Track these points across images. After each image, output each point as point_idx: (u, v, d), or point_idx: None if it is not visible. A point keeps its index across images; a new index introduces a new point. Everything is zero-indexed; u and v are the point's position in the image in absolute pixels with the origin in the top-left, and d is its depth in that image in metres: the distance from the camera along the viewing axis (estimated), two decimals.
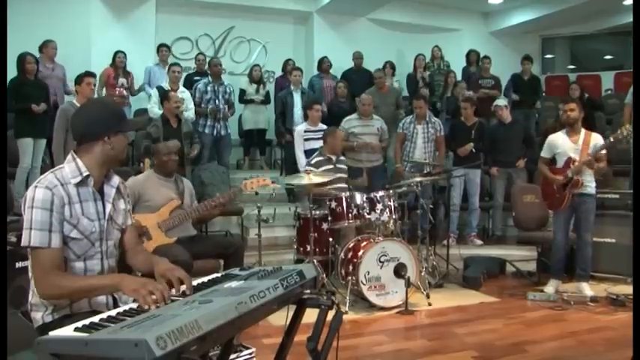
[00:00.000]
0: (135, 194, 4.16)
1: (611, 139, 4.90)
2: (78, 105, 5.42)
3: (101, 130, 2.17)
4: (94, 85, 5.69)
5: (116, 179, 2.32)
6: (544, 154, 5.23)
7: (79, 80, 5.53)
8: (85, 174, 2.15)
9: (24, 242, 2.03)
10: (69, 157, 2.19)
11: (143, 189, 4.20)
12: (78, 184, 2.14)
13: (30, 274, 2.13)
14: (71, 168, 2.16)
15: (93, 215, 2.17)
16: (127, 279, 2.03)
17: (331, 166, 5.58)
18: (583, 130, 5.07)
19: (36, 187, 2.07)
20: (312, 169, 5.50)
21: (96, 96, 6.91)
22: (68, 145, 5.29)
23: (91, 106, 2.33)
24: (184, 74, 7.91)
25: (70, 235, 2.10)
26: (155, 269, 2.16)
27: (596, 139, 5.02)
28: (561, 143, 5.09)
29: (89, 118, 2.20)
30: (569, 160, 4.98)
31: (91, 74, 5.59)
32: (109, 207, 2.24)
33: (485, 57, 8.94)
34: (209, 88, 7.26)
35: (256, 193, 4.68)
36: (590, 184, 5.01)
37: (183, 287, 2.00)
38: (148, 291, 1.86)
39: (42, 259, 2.03)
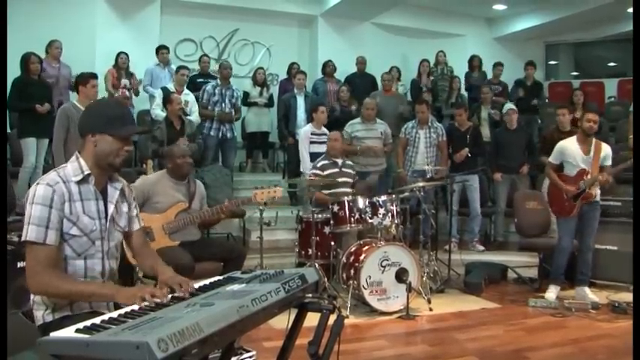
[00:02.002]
0: (144, 194, 4.17)
1: (629, 163, 4.96)
2: (79, 106, 5.40)
3: (87, 127, 2.23)
4: (97, 87, 5.64)
5: (121, 182, 2.36)
6: (553, 159, 5.21)
7: (83, 81, 5.47)
8: (86, 172, 2.19)
9: (23, 237, 2.07)
10: (73, 157, 2.24)
11: (153, 190, 4.21)
12: (79, 182, 2.18)
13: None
14: (73, 167, 2.20)
15: (94, 214, 2.20)
16: (122, 291, 2.07)
17: (337, 170, 5.58)
18: (594, 140, 5.06)
19: (38, 184, 2.12)
20: (317, 172, 5.51)
21: (100, 97, 6.94)
22: (68, 145, 5.28)
23: (93, 104, 2.37)
24: None
25: (69, 232, 2.13)
26: (159, 276, 2.23)
27: (606, 149, 5.06)
28: (573, 152, 5.07)
29: (84, 115, 2.29)
30: (583, 172, 4.98)
31: (95, 76, 5.56)
32: (111, 208, 2.27)
33: (499, 63, 8.94)
34: (217, 91, 7.27)
35: (265, 204, 4.70)
36: (597, 192, 5.07)
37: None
38: (142, 296, 1.92)
39: (35, 255, 2.06)
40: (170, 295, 2.00)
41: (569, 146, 5.11)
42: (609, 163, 5.06)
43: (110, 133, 2.20)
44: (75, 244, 2.15)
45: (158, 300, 1.90)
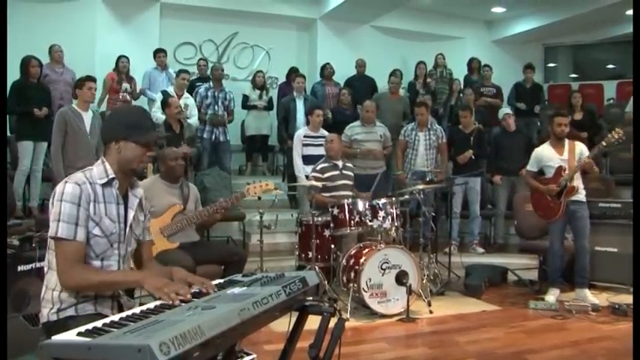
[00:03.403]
0: None
1: (604, 144, 4.97)
2: (77, 109, 5.40)
3: (110, 134, 2.30)
4: (95, 90, 5.63)
5: (140, 191, 2.42)
6: (531, 167, 5.33)
7: (79, 84, 5.49)
8: (111, 176, 2.26)
9: (51, 233, 2.13)
10: (99, 161, 2.31)
11: (148, 194, 4.18)
12: (104, 185, 2.24)
13: (45, 268, 2.22)
14: (99, 170, 2.26)
15: (114, 217, 2.26)
16: (150, 277, 2.14)
17: (337, 172, 5.57)
18: (566, 141, 5.16)
19: (66, 182, 2.18)
20: (317, 174, 5.51)
21: (97, 101, 6.96)
22: (66, 147, 5.27)
23: (116, 111, 2.42)
24: None
25: (92, 232, 2.19)
26: (175, 277, 2.27)
27: (580, 146, 5.14)
28: (549, 156, 5.18)
29: (108, 122, 2.39)
30: (560, 169, 5.05)
31: (93, 79, 5.55)
32: (131, 214, 2.33)
33: (486, 65, 8.98)
34: (209, 94, 7.27)
35: (259, 198, 4.68)
36: (581, 192, 5.10)
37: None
38: (172, 290, 1.98)
39: (67, 251, 2.12)
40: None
41: (544, 151, 5.23)
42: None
43: (133, 140, 2.26)
44: (95, 245, 2.21)
45: (181, 298, 1.94)
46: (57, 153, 5.30)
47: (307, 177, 5.81)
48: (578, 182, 5.06)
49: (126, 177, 2.32)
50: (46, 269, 2.23)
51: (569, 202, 5.03)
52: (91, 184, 2.20)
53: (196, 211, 4.36)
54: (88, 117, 5.41)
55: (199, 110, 7.18)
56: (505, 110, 7.24)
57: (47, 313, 2.18)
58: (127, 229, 2.31)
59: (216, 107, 7.25)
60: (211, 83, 7.48)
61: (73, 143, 5.29)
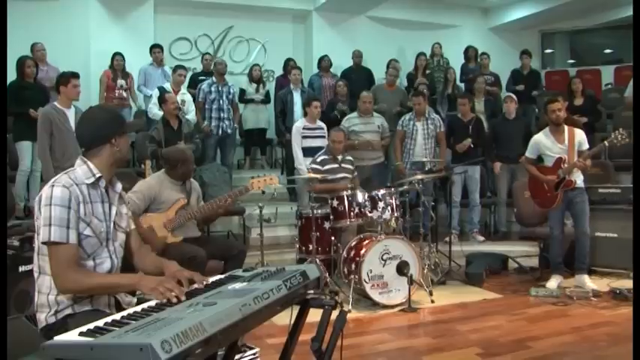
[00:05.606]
0: (151, 198, 4.22)
1: (606, 144, 4.99)
2: (60, 107, 5.11)
3: (107, 134, 2.28)
4: (80, 87, 5.30)
5: (119, 185, 2.41)
6: (529, 154, 5.31)
7: (63, 81, 5.16)
8: (97, 175, 2.25)
9: (43, 238, 2.10)
10: (78, 160, 2.28)
11: (159, 192, 4.27)
12: (90, 185, 2.24)
13: (36, 273, 2.21)
14: (83, 170, 2.25)
15: (101, 216, 2.26)
16: (145, 279, 2.14)
17: (336, 165, 5.57)
18: (565, 127, 5.13)
19: (53, 185, 2.16)
20: (316, 167, 5.51)
21: (92, 98, 6.93)
22: (53, 148, 5.03)
23: (94, 113, 2.41)
24: (189, 73, 8.05)
25: (83, 233, 2.19)
26: (166, 271, 2.28)
27: (580, 135, 5.12)
28: (547, 144, 5.16)
29: (94, 125, 2.31)
30: (560, 160, 5.04)
31: (77, 75, 5.24)
32: (114, 210, 2.33)
33: (484, 53, 8.96)
34: (213, 89, 7.23)
35: (263, 192, 4.68)
36: (579, 179, 5.10)
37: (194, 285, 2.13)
38: (166, 288, 1.97)
39: (61, 254, 2.11)
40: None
41: (543, 139, 5.21)
42: (586, 147, 5.11)
43: (126, 132, 2.33)
44: (87, 245, 2.21)
45: (174, 298, 1.92)
46: (45, 154, 5.05)
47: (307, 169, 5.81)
48: (576, 175, 5.06)
49: (112, 172, 2.33)
50: (36, 275, 2.21)
51: (568, 190, 5.04)
52: (77, 186, 2.19)
53: (199, 206, 4.39)
54: (71, 114, 5.15)
55: (204, 106, 7.15)
56: (506, 93, 7.19)
57: (45, 317, 2.18)
58: (112, 225, 2.31)
59: (220, 102, 7.21)
60: (214, 78, 7.44)
61: (59, 143, 5.04)
